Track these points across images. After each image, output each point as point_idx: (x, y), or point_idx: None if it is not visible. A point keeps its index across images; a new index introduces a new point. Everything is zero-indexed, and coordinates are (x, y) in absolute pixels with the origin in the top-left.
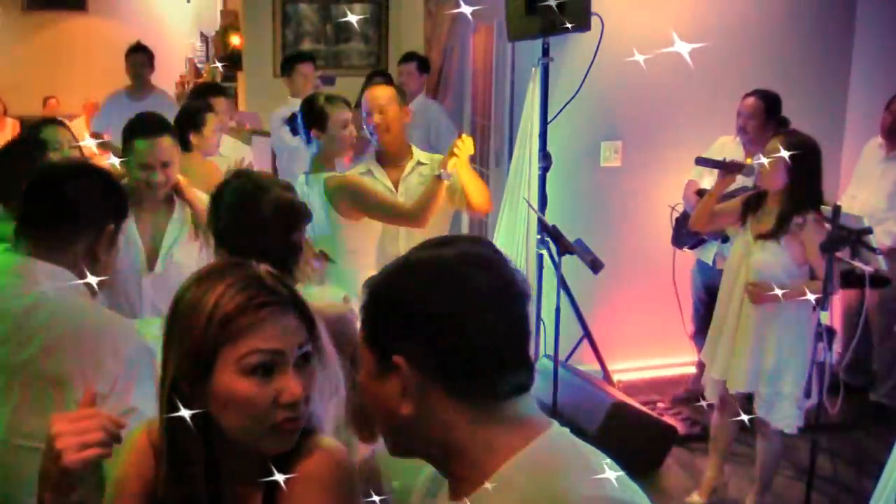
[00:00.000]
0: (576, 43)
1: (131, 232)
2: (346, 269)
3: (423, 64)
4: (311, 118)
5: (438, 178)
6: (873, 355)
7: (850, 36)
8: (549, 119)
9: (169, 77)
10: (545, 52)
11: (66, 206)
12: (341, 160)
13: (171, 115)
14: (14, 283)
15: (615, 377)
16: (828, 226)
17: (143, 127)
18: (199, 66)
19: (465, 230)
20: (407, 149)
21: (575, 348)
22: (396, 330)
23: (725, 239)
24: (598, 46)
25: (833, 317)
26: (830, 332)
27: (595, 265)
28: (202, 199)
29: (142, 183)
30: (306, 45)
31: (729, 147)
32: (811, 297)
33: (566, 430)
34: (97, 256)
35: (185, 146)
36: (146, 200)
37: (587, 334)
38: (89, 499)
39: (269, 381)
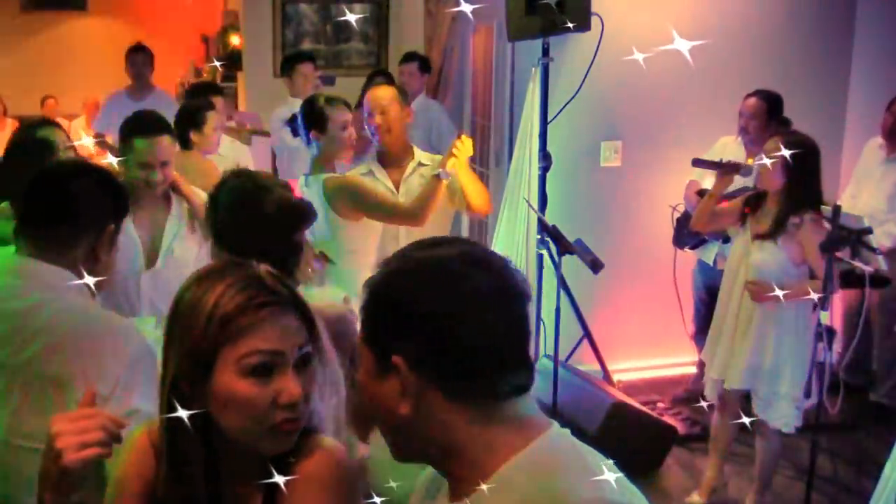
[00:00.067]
0: (576, 43)
1: (129, 230)
2: (345, 270)
3: (425, 64)
4: (311, 120)
5: (437, 177)
6: (873, 355)
7: (850, 36)
8: (549, 119)
9: (169, 77)
10: (545, 52)
11: (67, 207)
12: (341, 161)
13: (171, 115)
14: (15, 284)
15: (615, 377)
16: (827, 225)
17: (142, 126)
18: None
19: (465, 230)
20: (408, 149)
21: (575, 348)
22: (395, 330)
23: (726, 239)
24: (598, 46)
25: (833, 317)
26: (830, 332)
27: (595, 265)
28: (199, 194)
29: (140, 181)
30: (306, 45)
31: (731, 147)
32: (814, 296)
33: (566, 430)
34: (98, 256)
35: (186, 144)
36: (143, 198)
37: (587, 334)
38: (89, 499)
39: (268, 381)
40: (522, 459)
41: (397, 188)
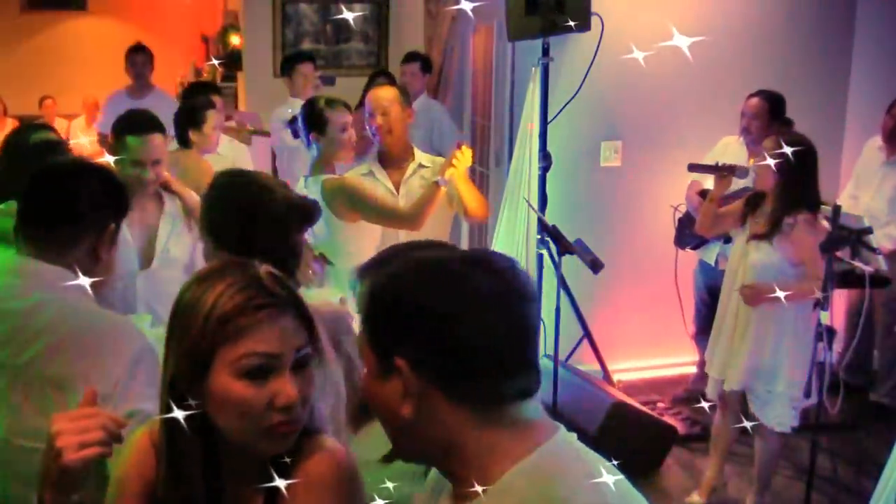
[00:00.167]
0: (576, 43)
1: (123, 230)
2: (345, 271)
3: (427, 64)
4: (311, 121)
5: (436, 184)
6: (874, 355)
7: (850, 36)
8: (549, 119)
9: (169, 77)
10: (545, 52)
11: (67, 206)
12: (341, 163)
13: (171, 114)
14: (15, 285)
15: (615, 377)
16: (827, 225)
17: (134, 124)
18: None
19: (465, 230)
20: (409, 150)
21: (575, 348)
22: (396, 331)
23: (728, 239)
24: (598, 46)
25: (834, 316)
26: (830, 331)
27: (595, 265)
28: (191, 194)
29: (133, 179)
30: (306, 45)
31: (732, 147)
32: (819, 294)
33: (573, 436)
34: (99, 256)
35: (185, 143)
36: (135, 197)
37: (587, 334)
38: (90, 498)
39: (264, 383)
40: (526, 464)
41: (397, 189)
